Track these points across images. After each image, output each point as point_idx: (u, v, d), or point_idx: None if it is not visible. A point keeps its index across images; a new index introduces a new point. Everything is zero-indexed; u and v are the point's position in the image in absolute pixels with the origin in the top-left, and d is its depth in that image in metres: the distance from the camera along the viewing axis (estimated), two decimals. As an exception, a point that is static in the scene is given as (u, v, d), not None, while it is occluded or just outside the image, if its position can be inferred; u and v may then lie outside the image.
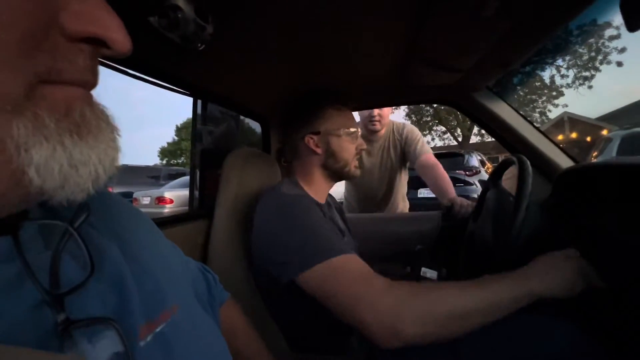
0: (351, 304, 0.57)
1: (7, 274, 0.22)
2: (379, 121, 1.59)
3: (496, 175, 0.97)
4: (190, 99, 0.94)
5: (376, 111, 1.57)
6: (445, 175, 1.47)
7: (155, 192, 6.29)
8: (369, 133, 1.63)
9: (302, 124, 0.86)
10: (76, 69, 0.21)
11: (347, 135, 0.85)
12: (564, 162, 1.06)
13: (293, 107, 0.90)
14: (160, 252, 0.38)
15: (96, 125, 0.22)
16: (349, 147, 0.86)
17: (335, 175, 0.88)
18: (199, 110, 0.96)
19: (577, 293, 0.60)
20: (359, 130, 0.89)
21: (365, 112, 1.61)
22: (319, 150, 0.84)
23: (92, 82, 0.22)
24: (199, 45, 0.59)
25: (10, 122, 0.18)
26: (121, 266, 0.29)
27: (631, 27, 0.45)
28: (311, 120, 0.85)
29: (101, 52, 0.22)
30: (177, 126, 24.99)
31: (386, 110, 1.60)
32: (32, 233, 0.25)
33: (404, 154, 1.62)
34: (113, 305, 0.27)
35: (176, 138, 25.11)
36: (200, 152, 1.03)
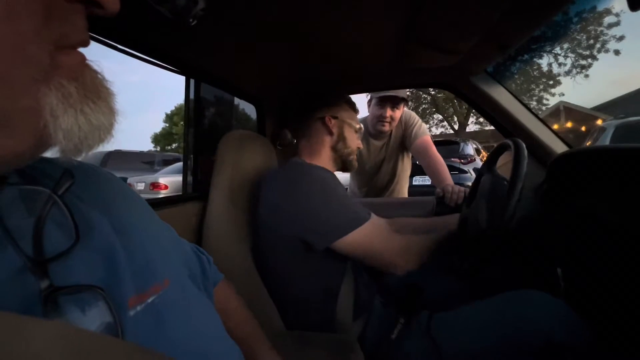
0: (384, 257, 0.76)
1: None
2: (389, 123, 1.50)
3: (491, 160, 0.97)
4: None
5: (389, 112, 1.48)
6: (440, 160, 1.47)
7: (150, 177, 6.22)
8: (376, 132, 1.56)
9: (322, 104, 0.95)
10: (78, 30, 0.22)
11: (356, 131, 0.97)
12: (559, 147, 1.06)
13: (311, 87, 1.02)
14: (152, 229, 0.37)
15: (105, 91, 0.23)
16: (355, 140, 0.97)
17: (340, 160, 0.96)
18: (192, 91, 0.94)
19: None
20: (362, 128, 1.00)
21: (377, 111, 1.50)
22: (334, 131, 0.93)
23: (88, 41, 0.23)
24: (191, 20, 0.57)
25: (43, 91, 0.19)
26: (110, 238, 0.29)
27: (633, 6, 0.45)
28: (332, 105, 0.95)
29: (92, 12, 0.22)
30: (166, 114, 24.58)
31: (398, 113, 1.51)
32: (13, 198, 0.24)
33: (404, 139, 1.61)
34: (101, 275, 0.27)
35: (166, 125, 24.74)
36: (194, 133, 1.01)
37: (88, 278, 0.25)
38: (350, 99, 1.00)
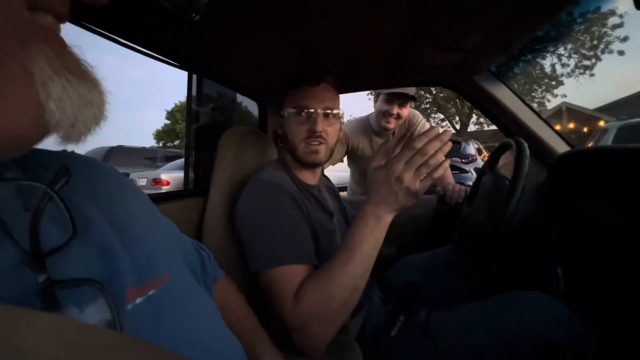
0: (277, 312, 0.64)
1: None
2: (395, 119, 1.46)
3: (493, 159, 0.97)
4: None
5: (396, 109, 1.43)
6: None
7: (152, 173, 6.23)
8: (380, 128, 1.52)
9: (280, 106, 0.86)
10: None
11: (294, 116, 0.79)
12: (561, 147, 1.06)
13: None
14: (151, 224, 0.37)
15: (88, 75, 0.23)
16: (296, 128, 0.79)
17: (297, 158, 0.82)
18: (194, 87, 0.94)
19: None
20: (315, 110, 0.78)
21: (384, 107, 1.44)
22: (280, 132, 0.86)
23: (66, 15, 0.22)
24: (194, 15, 0.57)
25: (29, 56, 0.19)
26: (108, 233, 0.29)
27: (639, 5, 0.44)
28: (281, 105, 0.84)
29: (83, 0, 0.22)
30: (167, 110, 24.57)
31: (405, 111, 1.47)
32: (9, 193, 0.24)
33: None
34: (99, 269, 0.27)
35: (167, 122, 24.72)
36: (195, 129, 1.01)
37: (86, 272, 0.25)
38: (295, 76, 0.80)
